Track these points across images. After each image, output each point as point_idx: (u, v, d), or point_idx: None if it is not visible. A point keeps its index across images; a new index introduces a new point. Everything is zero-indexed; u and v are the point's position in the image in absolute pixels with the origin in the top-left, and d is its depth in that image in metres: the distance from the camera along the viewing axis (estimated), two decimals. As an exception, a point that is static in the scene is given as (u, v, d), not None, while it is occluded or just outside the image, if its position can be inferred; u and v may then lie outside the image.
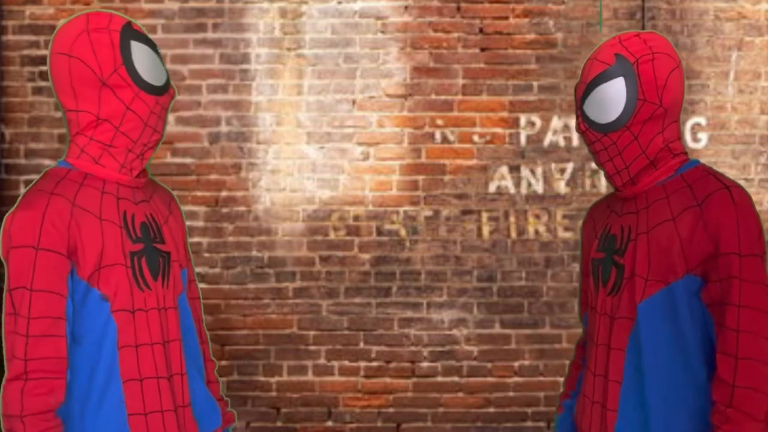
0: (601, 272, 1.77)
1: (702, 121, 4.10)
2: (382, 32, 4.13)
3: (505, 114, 4.11)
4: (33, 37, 4.11)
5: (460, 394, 4.10)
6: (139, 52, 1.63)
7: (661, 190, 1.70)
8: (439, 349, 4.11)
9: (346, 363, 4.10)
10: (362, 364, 4.10)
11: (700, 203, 1.60)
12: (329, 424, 4.10)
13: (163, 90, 1.67)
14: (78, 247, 1.53)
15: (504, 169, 4.12)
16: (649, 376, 1.62)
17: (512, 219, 4.11)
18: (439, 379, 4.10)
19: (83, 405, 1.54)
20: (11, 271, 1.49)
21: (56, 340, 1.49)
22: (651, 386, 1.62)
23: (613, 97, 1.68)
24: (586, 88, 1.74)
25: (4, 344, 1.49)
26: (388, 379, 4.10)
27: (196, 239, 4.09)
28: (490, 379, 4.09)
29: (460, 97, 4.12)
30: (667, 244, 1.62)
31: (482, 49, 4.13)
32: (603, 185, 4.08)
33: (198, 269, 4.09)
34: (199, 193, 4.11)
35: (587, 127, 1.74)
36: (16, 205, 1.54)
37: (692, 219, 1.60)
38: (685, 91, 1.76)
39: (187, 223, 4.09)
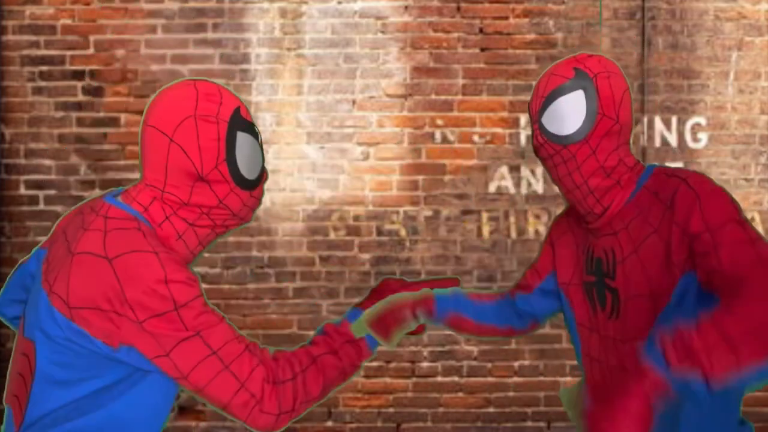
0: (597, 296, 1.74)
1: (702, 121, 4.10)
2: (382, 32, 4.13)
3: (505, 114, 4.11)
4: (33, 37, 4.11)
5: (460, 394, 4.10)
6: (243, 144, 1.55)
7: (633, 207, 1.67)
8: (439, 349, 4.11)
9: (346, 363, 4.10)
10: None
11: (669, 206, 1.58)
12: (329, 424, 4.10)
13: (258, 182, 1.60)
14: None
15: (504, 169, 4.12)
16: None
17: (512, 219, 4.11)
18: (439, 379, 4.10)
19: None
20: (192, 323, 1.42)
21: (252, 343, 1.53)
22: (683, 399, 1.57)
23: (573, 109, 1.67)
24: (543, 102, 1.71)
25: (216, 389, 1.45)
26: (388, 379, 4.10)
27: (196, 239, 4.08)
28: (490, 379, 4.09)
29: (460, 97, 4.12)
30: (659, 256, 1.59)
31: (482, 49, 4.13)
32: (603, 185, 4.08)
33: (198, 269, 4.09)
34: (199, 193, 4.10)
35: (546, 139, 1.70)
36: (137, 264, 1.42)
37: (668, 223, 1.58)
38: (633, 117, 1.76)
39: (187, 223, 4.09)
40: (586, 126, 1.65)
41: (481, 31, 4.13)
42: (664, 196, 1.61)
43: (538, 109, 1.72)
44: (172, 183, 1.51)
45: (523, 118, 4.10)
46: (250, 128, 1.58)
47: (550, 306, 1.98)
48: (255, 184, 1.59)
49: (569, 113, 1.67)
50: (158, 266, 1.41)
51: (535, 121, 1.73)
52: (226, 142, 1.52)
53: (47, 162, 4.11)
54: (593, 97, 1.66)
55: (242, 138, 1.55)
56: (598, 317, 1.74)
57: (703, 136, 4.11)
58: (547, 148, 1.71)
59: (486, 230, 4.11)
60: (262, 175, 1.63)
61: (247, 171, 1.56)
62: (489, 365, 4.10)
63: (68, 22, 4.11)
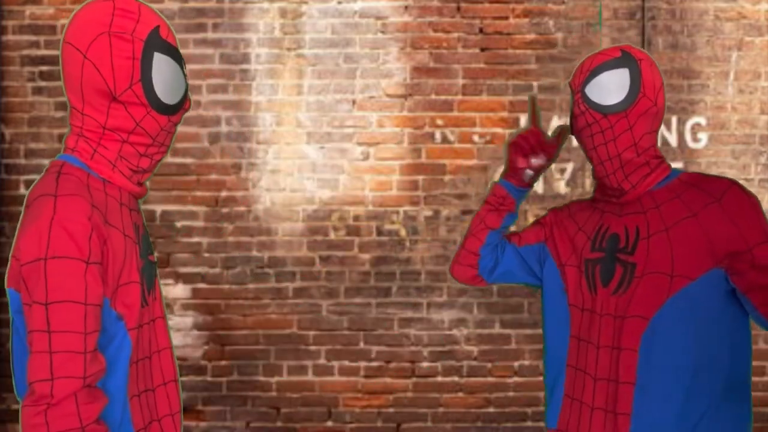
0: (600, 272, 1.76)
1: (702, 121, 4.10)
2: (382, 32, 4.13)
3: (505, 114, 4.11)
4: (33, 37, 4.11)
5: (460, 394, 4.10)
6: (160, 66, 1.50)
7: (667, 191, 1.76)
8: (439, 349, 4.11)
9: (346, 363, 4.10)
10: (362, 364, 4.10)
11: (718, 198, 1.67)
12: (329, 424, 4.10)
13: (177, 108, 1.55)
14: (109, 265, 1.43)
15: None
16: (671, 374, 1.62)
17: (512, 219, 4.11)
18: (439, 379, 4.10)
19: None
20: (51, 283, 1.34)
21: (99, 354, 1.40)
22: (672, 385, 1.62)
23: (618, 83, 1.76)
24: (588, 75, 1.80)
25: (30, 365, 1.34)
26: (388, 379, 4.11)
27: (196, 239, 4.09)
28: (490, 379, 4.09)
29: (460, 97, 4.12)
30: (692, 240, 1.66)
31: (482, 49, 4.13)
32: (603, 185, 4.08)
33: (198, 269, 4.09)
34: (199, 193, 4.11)
35: (587, 107, 1.78)
36: (37, 208, 1.38)
37: (716, 213, 1.66)
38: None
39: (187, 223, 4.09)
40: (628, 100, 1.74)
41: (481, 31, 4.13)
42: (711, 189, 1.70)
43: (582, 80, 1.81)
44: (89, 104, 1.48)
45: (523, 118, 4.10)
46: (171, 51, 1.53)
47: (512, 269, 2.07)
48: (174, 110, 1.54)
49: (613, 86, 1.76)
50: (50, 208, 1.36)
51: (578, 91, 1.81)
52: (141, 62, 1.47)
53: (47, 162, 4.10)
54: (637, 77, 1.75)
55: (159, 59, 1.49)
56: (597, 295, 1.76)
57: (703, 136, 4.11)
58: (586, 116, 1.78)
59: (486, 230, 4.11)
60: (184, 101, 1.57)
61: (165, 94, 1.51)
62: (489, 365, 4.10)
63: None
